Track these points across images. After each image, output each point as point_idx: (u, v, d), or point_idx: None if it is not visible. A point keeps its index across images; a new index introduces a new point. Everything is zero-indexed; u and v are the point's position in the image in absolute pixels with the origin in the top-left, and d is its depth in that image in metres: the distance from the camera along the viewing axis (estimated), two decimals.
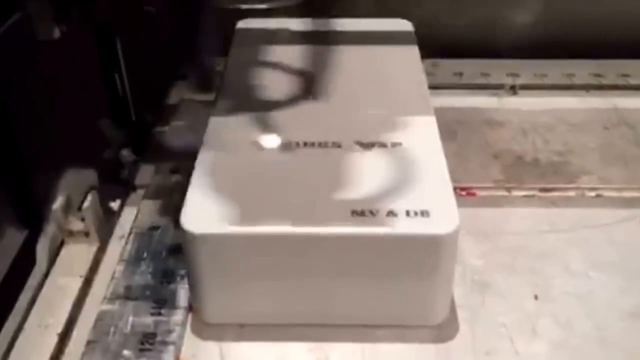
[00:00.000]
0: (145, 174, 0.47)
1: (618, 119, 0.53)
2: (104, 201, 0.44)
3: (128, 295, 0.37)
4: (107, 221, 0.43)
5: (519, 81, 0.57)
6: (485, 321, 0.37)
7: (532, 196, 0.45)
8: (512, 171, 0.47)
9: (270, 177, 0.36)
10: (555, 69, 0.57)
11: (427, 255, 0.34)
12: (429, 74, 0.54)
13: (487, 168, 0.48)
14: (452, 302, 0.37)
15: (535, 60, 0.58)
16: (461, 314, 0.37)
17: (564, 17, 0.58)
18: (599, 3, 0.58)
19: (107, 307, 0.37)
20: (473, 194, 0.45)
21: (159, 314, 0.36)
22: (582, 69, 0.58)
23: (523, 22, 0.59)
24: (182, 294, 0.37)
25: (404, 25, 0.51)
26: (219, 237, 0.33)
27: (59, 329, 0.36)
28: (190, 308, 0.37)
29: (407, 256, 0.34)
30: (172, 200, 0.43)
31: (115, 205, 0.45)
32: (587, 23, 0.58)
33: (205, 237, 0.33)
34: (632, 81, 0.57)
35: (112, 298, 0.37)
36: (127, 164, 0.49)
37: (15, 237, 0.39)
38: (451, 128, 0.51)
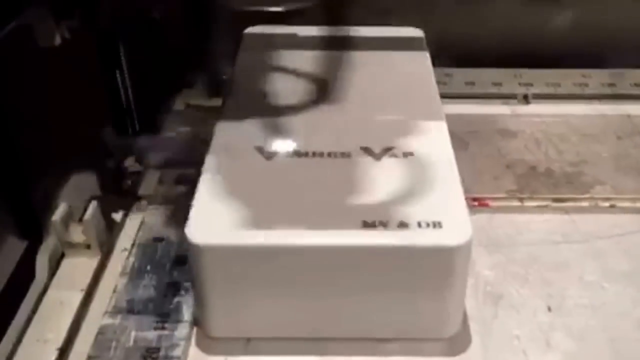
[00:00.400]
0: (149, 184, 0.46)
1: (631, 128, 0.52)
2: (106, 212, 0.43)
3: (130, 309, 0.36)
4: (110, 233, 0.42)
5: (532, 90, 0.56)
6: (498, 333, 0.36)
7: (546, 206, 0.45)
8: (525, 181, 0.47)
9: (279, 187, 0.35)
10: (568, 79, 0.57)
11: (439, 267, 0.33)
12: (440, 83, 0.54)
13: (499, 178, 0.47)
14: (465, 314, 0.36)
15: (548, 70, 0.57)
16: (473, 327, 0.36)
17: (577, 26, 0.58)
18: (612, 13, 0.58)
19: (108, 321, 0.36)
20: (486, 205, 0.45)
21: (163, 328, 0.35)
22: (595, 79, 0.57)
23: (536, 32, 0.58)
24: (187, 308, 0.36)
25: (414, 33, 0.50)
26: (225, 249, 0.32)
27: (59, 343, 0.35)
28: (195, 322, 0.36)
29: (418, 268, 0.33)
30: (177, 211, 0.43)
31: (118, 216, 0.44)
32: (601, 32, 0.58)
33: (210, 249, 0.32)
34: None
35: (114, 312, 0.36)
36: (130, 174, 0.48)
37: (14, 249, 0.38)
38: (463, 138, 0.50)
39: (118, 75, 0.49)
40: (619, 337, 0.36)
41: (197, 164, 0.37)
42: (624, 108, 0.55)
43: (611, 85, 0.57)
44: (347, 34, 0.50)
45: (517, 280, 0.39)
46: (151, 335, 0.35)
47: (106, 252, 0.41)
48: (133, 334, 0.35)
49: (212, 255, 0.32)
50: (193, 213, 0.34)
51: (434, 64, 0.47)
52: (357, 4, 0.53)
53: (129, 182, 0.48)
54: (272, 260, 0.33)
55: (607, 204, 0.45)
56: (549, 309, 0.37)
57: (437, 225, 0.33)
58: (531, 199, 0.45)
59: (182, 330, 0.35)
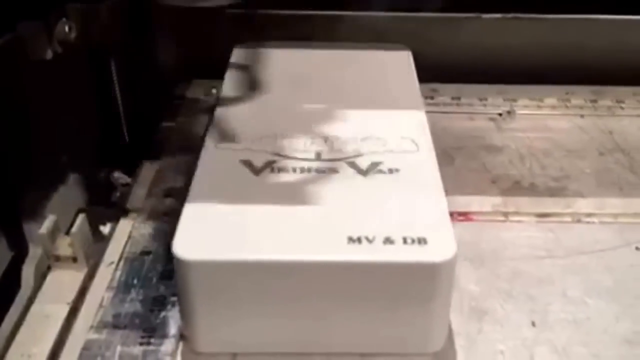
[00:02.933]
0: (138, 197, 0.45)
1: (613, 144, 0.52)
2: (93, 225, 0.42)
3: (116, 323, 0.35)
4: (97, 246, 0.41)
5: (517, 106, 0.56)
6: (482, 349, 0.35)
7: (529, 221, 0.44)
8: (510, 196, 0.46)
9: (266, 203, 0.35)
10: (552, 95, 0.57)
11: (424, 282, 0.32)
12: (427, 98, 0.54)
13: (485, 193, 0.47)
14: (450, 329, 0.36)
15: (532, 86, 0.58)
16: (458, 342, 0.36)
17: (561, 44, 0.58)
18: (593, 31, 0.58)
19: (93, 336, 0.35)
20: (471, 219, 0.44)
21: (148, 343, 0.34)
22: (578, 95, 0.57)
23: (520, 48, 0.58)
24: (173, 322, 0.35)
25: (401, 50, 0.50)
26: (211, 265, 0.32)
27: (43, 358, 0.34)
28: (182, 337, 0.35)
29: (404, 284, 0.32)
30: (165, 225, 0.42)
31: (105, 229, 0.43)
32: (583, 50, 0.58)
33: (197, 264, 0.31)
34: (627, 107, 0.56)
35: (100, 327, 0.35)
36: (119, 187, 0.47)
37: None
38: (449, 153, 0.50)
39: (108, 88, 0.48)
40: (602, 353, 0.35)
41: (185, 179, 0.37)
42: (606, 124, 0.55)
43: (593, 101, 0.57)
44: (335, 50, 0.50)
45: (501, 295, 0.38)
46: (136, 350, 0.34)
47: (93, 266, 0.40)
48: (118, 349, 0.34)
49: (199, 270, 0.32)
50: (180, 228, 0.33)
51: (420, 80, 0.46)
52: (344, 22, 0.53)
53: (118, 194, 0.47)
54: (258, 275, 0.32)
55: (589, 219, 0.44)
56: (533, 324, 0.37)
57: (422, 241, 0.32)
58: (516, 213, 0.45)
59: (168, 345, 0.34)
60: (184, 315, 0.34)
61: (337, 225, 0.33)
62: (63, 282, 0.39)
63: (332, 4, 0.54)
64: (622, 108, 0.56)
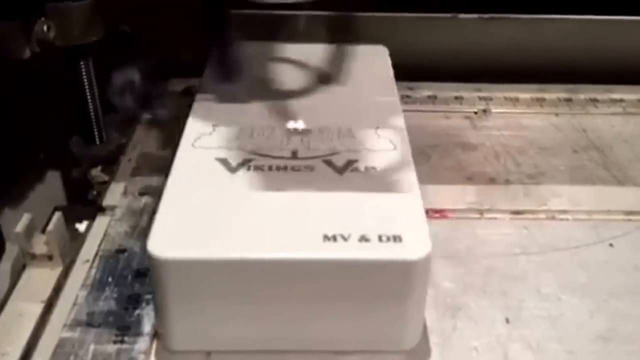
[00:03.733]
0: (114, 195, 0.44)
1: (587, 142, 0.52)
2: (70, 223, 0.41)
3: (90, 321, 0.34)
4: (73, 244, 0.40)
5: (492, 105, 0.56)
6: (457, 346, 0.35)
7: (504, 218, 0.44)
8: (485, 193, 0.46)
9: (242, 201, 0.34)
10: (527, 93, 0.57)
11: (399, 280, 0.32)
12: (404, 97, 0.53)
13: (460, 190, 0.46)
14: (424, 326, 0.35)
15: (508, 85, 0.57)
16: (433, 339, 0.35)
17: (536, 43, 0.58)
18: (568, 32, 0.58)
19: (67, 334, 0.34)
20: (446, 217, 0.44)
21: (122, 341, 0.33)
22: (553, 94, 0.57)
23: (496, 48, 0.58)
24: (147, 320, 0.35)
25: (378, 49, 0.50)
26: (186, 263, 0.31)
27: (16, 357, 0.34)
28: (156, 335, 0.34)
29: (379, 281, 0.32)
30: (141, 223, 0.41)
31: (82, 227, 0.42)
32: (558, 50, 0.58)
33: (171, 263, 0.31)
34: (600, 106, 0.56)
35: (73, 325, 0.34)
36: (96, 185, 0.46)
37: None
38: (425, 151, 0.50)
39: (87, 86, 0.47)
40: (576, 349, 0.35)
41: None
42: (580, 122, 0.54)
43: (567, 100, 0.57)
44: (314, 50, 0.49)
45: (476, 292, 0.38)
46: (110, 348, 0.33)
47: (68, 264, 0.39)
48: (92, 347, 0.33)
49: (173, 269, 0.31)
50: (154, 226, 0.32)
51: (397, 79, 0.46)
52: (319, 22, 0.53)
53: (95, 192, 0.46)
54: (233, 274, 0.31)
55: (563, 216, 0.44)
56: (507, 321, 0.36)
57: (397, 239, 0.31)
58: (490, 210, 0.44)
59: (142, 343, 0.33)
60: (158, 314, 0.33)
61: (312, 223, 0.32)
62: (38, 280, 0.38)
63: (311, 4, 0.54)
64: (595, 107, 0.56)
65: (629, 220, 0.44)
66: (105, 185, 0.46)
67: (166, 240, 0.31)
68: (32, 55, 0.38)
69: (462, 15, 0.57)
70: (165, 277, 0.31)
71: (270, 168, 0.36)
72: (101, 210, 0.43)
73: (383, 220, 0.33)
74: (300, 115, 0.41)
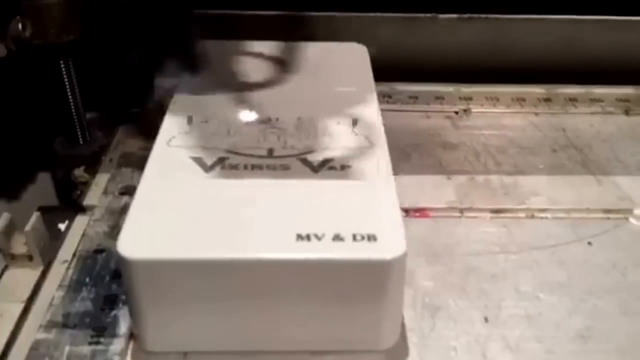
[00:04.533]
0: (95, 194, 0.43)
1: (566, 141, 0.51)
2: (51, 223, 0.40)
3: (66, 322, 0.33)
4: (53, 244, 0.39)
5: (472, 104, 0.55)
6: (435, 345, 0.34)
7: (484, 217, 0.43)
8: (465, 192, 0.45)
9: (215, 200, 0.33)
10: (507, 94, 0.56)
11: (374, 280, 0.31)
12: (384, 97, 0.52)
13: (440, 189, 0.45)
14: (403, 325, 0.34)
15: (488, 85, 0.57)
16: (411, 338, 0.34)
17: (516, 43, 0.57)
18: (548, 32, 0.57)
19: (42, 335, 0.33)
20: (426, 215, 0.43)
21: (98, 342, 0.32)
22: (532, 94, 0.56)
23: (476, 48, 0.57)
24: (124, 321, 0.34)
25: (357, 48, 0.49)
26: (157, 263, 0.30)
27: None
28: (132, 336, 0.33)
29: (354, 281, 0.31)
30: (120, 223, 0.40)
31: (64, 226, 0.41)
32: (538, 50, 0.57)
33: (142, 263, 0.30)
34: (580, 106, 0.56)
35: (49, 326, 0.33)
36: (78, 185, 0.45)
37: None
38: (405, 151, 0.49)
39: (68, 85, 0.46)
40: (555, 348, 0.34)
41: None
42: (560, 122, 0.54)
43: (547, 100, 0.56)
44: (293, 48, 0.48)
45: (455, 291, 0.37)
46: (85, 350, 0.32)
47: (48, 264, 0.38)
48: (67, 349, 0.32)
49: (144, 269, 0.30)
50: (125, 226, 0.31)
51: (378, 79, 0.45)
52: (300, 22, 0.52)
53: (78, 192, 0.45)
54: (205, 274, 0.30)
55: (542, 215, 0.43)
56: (486, 320, 0.36)
57: (372, 238, 0.31)
58: (470, 209, 0.43)
59: (117, 345, 0.33)
60: (133, 315, 0.32)
61: (286, 222, 0.31)
62: (18, 280, 0.37)
63: (289, 3, 0.53)
64: (575, 106, 0.56)
65: (608, 218, 0.43)
66: (86, 185, 0.45)
67: (136, 241, 0.30)
68: (10, 53, 0.37)
69: (441, 16, 0.56)
70: (136, 277, 0.30)
71: (245, 167, 0.35)
72: (82, 210, 0.42)
73: (358, 219, 0.32)
74: (277, 112, 0.40)
